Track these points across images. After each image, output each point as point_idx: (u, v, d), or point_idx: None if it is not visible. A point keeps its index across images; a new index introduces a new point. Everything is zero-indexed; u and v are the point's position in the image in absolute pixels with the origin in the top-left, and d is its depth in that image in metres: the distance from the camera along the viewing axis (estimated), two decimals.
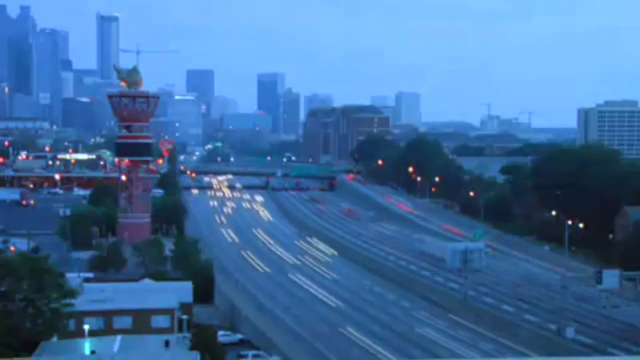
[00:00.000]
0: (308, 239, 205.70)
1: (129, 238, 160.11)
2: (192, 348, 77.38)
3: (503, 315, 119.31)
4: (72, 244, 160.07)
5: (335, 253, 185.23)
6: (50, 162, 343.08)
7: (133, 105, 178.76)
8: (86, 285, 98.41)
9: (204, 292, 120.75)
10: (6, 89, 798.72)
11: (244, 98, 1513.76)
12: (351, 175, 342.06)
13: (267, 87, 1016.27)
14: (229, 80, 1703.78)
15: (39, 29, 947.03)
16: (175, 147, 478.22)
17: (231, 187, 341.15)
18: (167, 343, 74.53)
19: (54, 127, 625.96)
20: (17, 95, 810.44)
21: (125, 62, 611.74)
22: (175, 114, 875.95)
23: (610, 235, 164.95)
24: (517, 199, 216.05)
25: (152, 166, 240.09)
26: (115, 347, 73.59)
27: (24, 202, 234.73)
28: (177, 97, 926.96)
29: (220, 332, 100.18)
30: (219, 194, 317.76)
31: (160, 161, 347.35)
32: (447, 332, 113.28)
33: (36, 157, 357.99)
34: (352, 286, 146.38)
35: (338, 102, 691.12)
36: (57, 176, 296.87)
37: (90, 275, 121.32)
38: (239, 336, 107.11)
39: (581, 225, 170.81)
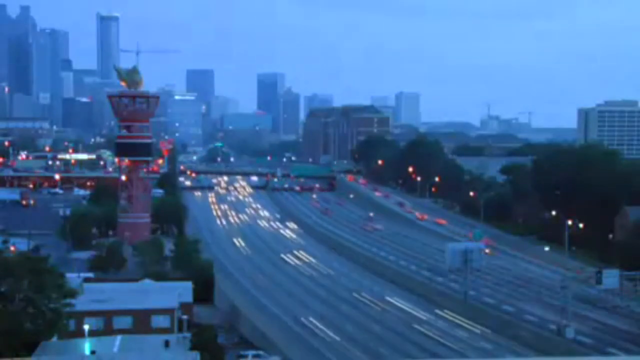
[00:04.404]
0: None
1: (129, 238, 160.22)
2: (192, 348, 77.32)
3: (503, 315, 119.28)
4: (72, 244, 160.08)
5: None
6: (50, 162, 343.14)
7: (133, 105, 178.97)
8: (86, 285, 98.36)
9: (204, 292, 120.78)
10: (6, 89, 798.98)
11: (244, 98, 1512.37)
12: (362, 180, 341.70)
13: (267, 87, 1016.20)
14: (229, 80, 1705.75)
15: (39, 29, 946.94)
16: (175, 147, 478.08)
17: (230, 188, 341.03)
18: (167, 343, 74.46)
19: (54, 127, 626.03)
20: (17, 95, 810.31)
21: (125, 62, 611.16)
22: (175, 114, 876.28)
23: (610, 235, 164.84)
24: (517, 199, 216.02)
25: (152, 166, 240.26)
26: (115, 347, 73.56)
27: (24, 202, 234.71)
28: (177, 97, 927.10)
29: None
30: (219, 194, 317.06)
31: (160, 161, 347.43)
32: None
33: (36, 157, 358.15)
34: None
35: (338, 102, 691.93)
36: (57, 176, 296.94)
37: (90, 275, 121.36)
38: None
39: (581, 225, 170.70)
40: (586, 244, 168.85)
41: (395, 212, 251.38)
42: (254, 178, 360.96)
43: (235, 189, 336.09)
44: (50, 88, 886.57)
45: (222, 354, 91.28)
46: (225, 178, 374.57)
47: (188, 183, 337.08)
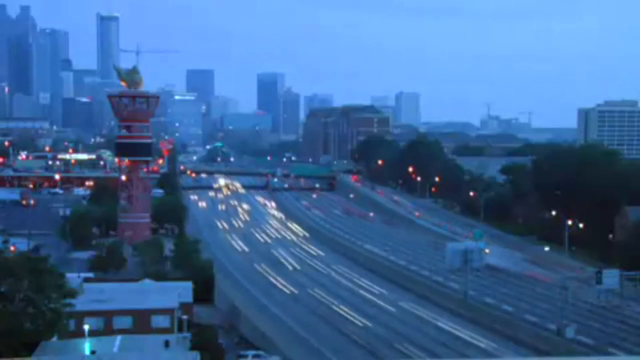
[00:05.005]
0: None
1: (129, 238, 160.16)
2: (192, 348, 77.33)
3: (503, 315, 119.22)
4: (72, 244, 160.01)
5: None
6: (50, 162, 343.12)
7: (133, 105, 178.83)
8: (86, 285, 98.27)
9: (204, 292, 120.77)
10: (6, 89, 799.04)
11: (244, 98, 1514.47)
12: (354, 177, 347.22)
13: (267, 87, 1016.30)
14: (229, 80, 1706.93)
15: (39, 29, 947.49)
16: (175, 147, 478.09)
17: (231, 187, 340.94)
18: (167, 343, 74.44)
19: (54, 127, 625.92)
20: (17, 95, 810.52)
21: (125, 62, 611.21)
22: (175, 114, 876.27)
23: (610, 235, 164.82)
24: (517, 199, 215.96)
25: (152, 166, 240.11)
26: (115, 347, 73.51)
27: (24, 202, 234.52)
28: (177, 97, 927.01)
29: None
30: (219, 194, 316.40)
31: (160, 161, 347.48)
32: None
33: (36, 157, 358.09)
34: None
35: (338, 102, 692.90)
36: (57, 176, 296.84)
37: (90, 275, 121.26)
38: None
39: (581, 225, 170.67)
40: (586, 244, 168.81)
41: (372, 198, 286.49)
42: (249, 177, 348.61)
43: (234, 188, 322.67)
44: (50, 88, 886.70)
45: (222, 354, 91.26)
46: (223, 177, 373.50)
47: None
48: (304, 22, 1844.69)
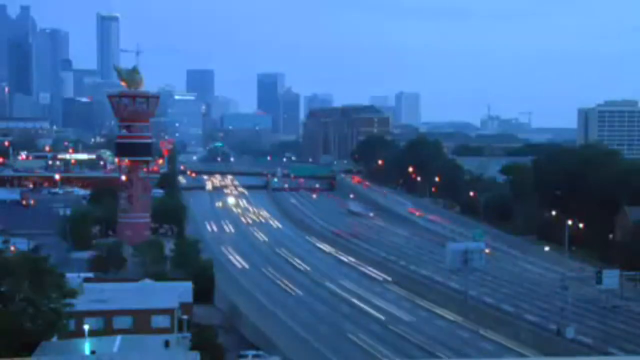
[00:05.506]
0: None
1: (129, 238, 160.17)
2: (192, 348, 77.30)
3: (502, 315, 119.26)
4: (72, 244, 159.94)
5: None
6: (50, 162, 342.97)
7: (133, 105, 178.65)
8: (86, 285, 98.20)
9: (204, 292, 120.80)
10: (6, 89, 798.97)
11: (244, 98, 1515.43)
12: (356, 178, 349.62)
13: (267, 87, 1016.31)
14: (229, 80, 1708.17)
15: (39, 29, 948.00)
16: (175, 147, 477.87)
17: (232, 187, 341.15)
18: (167, 343, 74.47)
19: (54, 127, 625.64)
20: (17, 95, 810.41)
21: (125, 62, 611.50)
22: (175, 114, 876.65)
23: (610, 235, 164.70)
24: (517, 199, 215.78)
25: (152, 166, 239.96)
26: (115, 347, 73.52)
27: (24, 202, 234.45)
28: (177, 97, 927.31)
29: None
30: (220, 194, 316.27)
31: (160, 161, 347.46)
32: None
33: (36, 157, 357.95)
34: None
35: (338, 102, 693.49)
36: (57, 176, 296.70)
37: (90, 275, 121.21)
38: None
39: (581, 225, 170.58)
40: (586, 244, 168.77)
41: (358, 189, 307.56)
42: (250, 177, 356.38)
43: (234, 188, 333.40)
44: (50, 88, 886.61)
45: (222, 354, 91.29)
46: (223, 177, 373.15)
47: (189, 184, 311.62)
48: (304, 22, 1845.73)
